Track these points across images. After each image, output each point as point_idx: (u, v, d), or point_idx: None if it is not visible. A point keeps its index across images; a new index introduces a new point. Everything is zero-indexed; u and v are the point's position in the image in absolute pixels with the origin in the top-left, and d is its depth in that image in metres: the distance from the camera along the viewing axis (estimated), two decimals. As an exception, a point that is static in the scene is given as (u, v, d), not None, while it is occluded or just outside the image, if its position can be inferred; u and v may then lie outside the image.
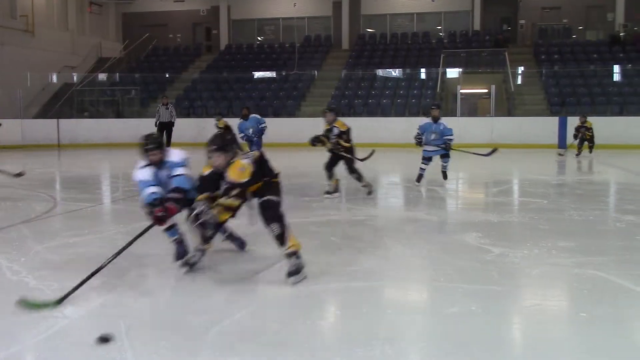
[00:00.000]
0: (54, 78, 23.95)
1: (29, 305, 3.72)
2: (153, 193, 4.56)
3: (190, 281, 4.51)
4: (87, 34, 27.09)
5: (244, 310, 3.81)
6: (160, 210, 4.38)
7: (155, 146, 4.66)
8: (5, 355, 3.13)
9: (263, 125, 12.19)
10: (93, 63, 26.31)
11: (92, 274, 4.11)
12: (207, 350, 3.19)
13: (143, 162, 4.71)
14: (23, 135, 19.49)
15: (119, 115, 21.95)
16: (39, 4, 24.24)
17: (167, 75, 24.24)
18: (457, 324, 3.60)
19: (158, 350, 3.18)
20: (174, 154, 4.77)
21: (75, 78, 23.76)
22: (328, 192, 8.44)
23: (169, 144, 15.29)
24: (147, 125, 15.20)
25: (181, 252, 4.83)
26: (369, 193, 8.44)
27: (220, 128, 13.20)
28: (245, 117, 12.18)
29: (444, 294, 4.18)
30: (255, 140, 12.10)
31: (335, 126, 8.31)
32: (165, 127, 17.00)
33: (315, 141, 8.36)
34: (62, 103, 22.04)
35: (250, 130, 12.06)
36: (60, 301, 3.81)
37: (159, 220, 4.43)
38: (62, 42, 25.13)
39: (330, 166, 8.42)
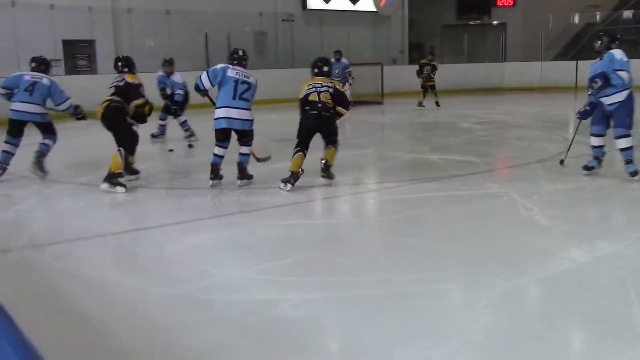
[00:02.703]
0: (576, 19, 23.65)
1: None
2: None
3: None
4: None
5: None
6: None
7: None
8: (512, 285, 3.37)
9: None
10: (617, 0, 24.89)
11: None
12: None
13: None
14: (541, 77, 20.07)
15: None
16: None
17: None
18: None
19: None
20: None
21: (597, 17, 22.98)
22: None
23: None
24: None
25: None
26: None
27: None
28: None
29: None
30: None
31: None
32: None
33: None
34: (583, 44, 21.66)
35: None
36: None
37: None
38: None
39: None
